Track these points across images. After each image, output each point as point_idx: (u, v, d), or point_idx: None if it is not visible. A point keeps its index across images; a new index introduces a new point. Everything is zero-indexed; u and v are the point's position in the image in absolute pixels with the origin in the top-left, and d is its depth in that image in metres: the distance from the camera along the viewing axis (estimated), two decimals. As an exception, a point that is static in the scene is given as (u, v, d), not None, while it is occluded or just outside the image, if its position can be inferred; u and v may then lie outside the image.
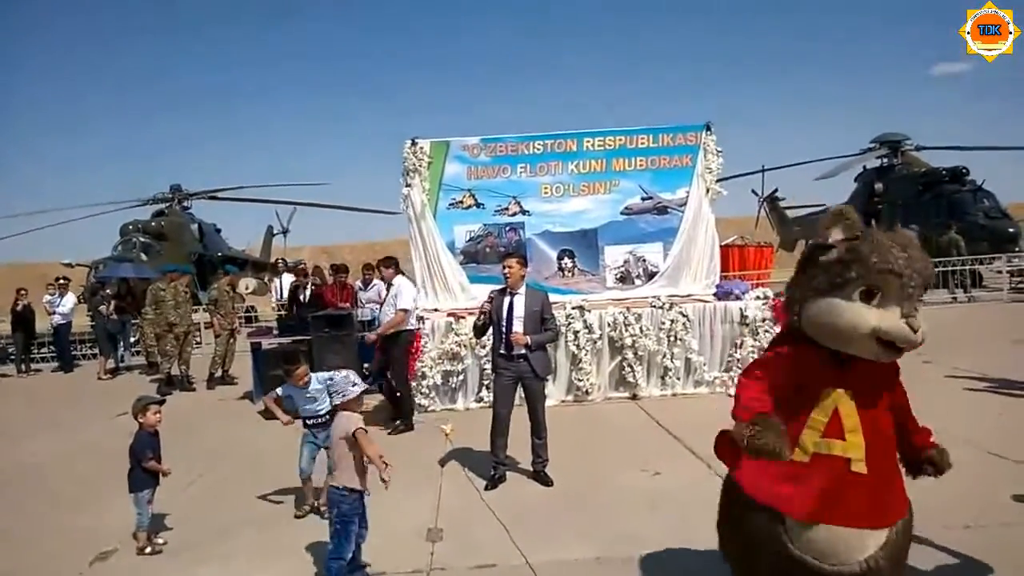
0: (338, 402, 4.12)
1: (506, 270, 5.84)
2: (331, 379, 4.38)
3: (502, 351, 5.79)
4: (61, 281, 14.81)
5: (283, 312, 13.26)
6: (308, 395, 5.34)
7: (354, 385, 4.07)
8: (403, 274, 8.33)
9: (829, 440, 2.66)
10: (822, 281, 2.62)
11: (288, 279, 15.00)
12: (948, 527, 4.18)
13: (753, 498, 2.78)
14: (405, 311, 7.82)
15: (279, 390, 5.46)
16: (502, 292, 5.89)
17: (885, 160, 24.49)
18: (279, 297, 15.49)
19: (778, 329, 2.88)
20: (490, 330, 5.98)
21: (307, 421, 5.39)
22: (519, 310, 5.76)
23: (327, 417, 5.16)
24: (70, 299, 14.67)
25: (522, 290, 5.85)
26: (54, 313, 14.22)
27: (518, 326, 5.73)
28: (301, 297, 10.71)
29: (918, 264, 2.54)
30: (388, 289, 8.11)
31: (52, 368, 14.55)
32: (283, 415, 5.36)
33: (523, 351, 5.70)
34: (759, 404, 2.66)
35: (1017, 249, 18.85)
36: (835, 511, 2.62)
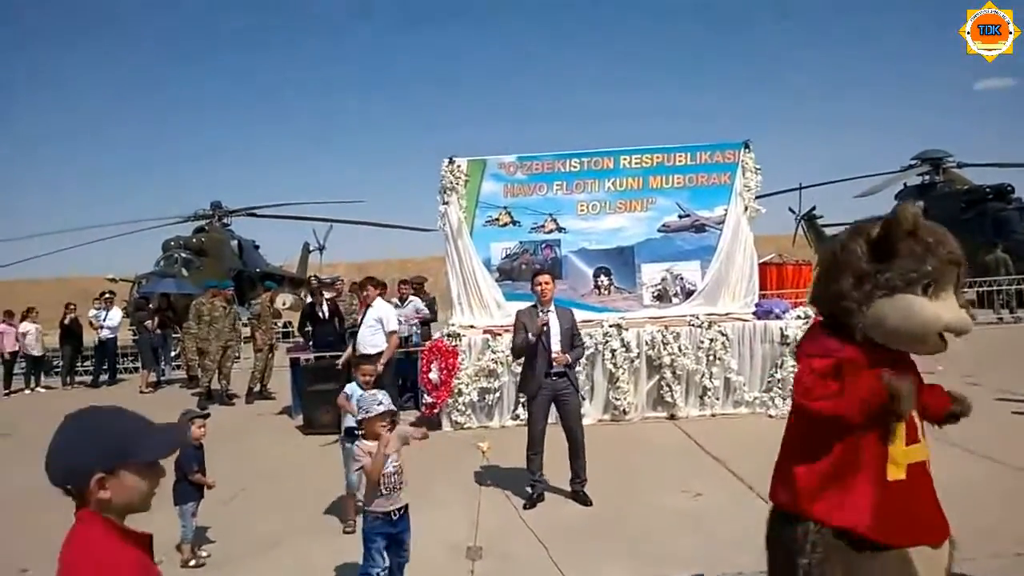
0: (361, 418, 4.12)
1: (539, 288, 5.85)
2: (361, 396, 4.37)
3: (547, 370, 5.77)
4: (107, 295, 15.13)
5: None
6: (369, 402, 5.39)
7: (379, 404, 4.04)
8: (381, 296, 8.29)
9: (911, 448, 2.41)
10: (894, 277, 2.37)
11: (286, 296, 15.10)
12: (998, 555, 4.06)
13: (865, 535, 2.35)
14: (394, 333, 7.82)
15: (347, 389, 5.44)
16: (533, 309, 5.90)
17: (927, 177, 24.12)
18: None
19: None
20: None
21: (356, 432, 5.38)
22: (554, 328, 5.78)
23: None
24: (116, 313, 14.96)
25: (552, 307, 5.86)
26: (102, 327, 14.47)
27: (555, 344, 5.73)
28: (320, 314, 10.78)
29: (962, 252, 2.44)
30: (367, 311, 8.02)
31: (91, 381, 14.76)
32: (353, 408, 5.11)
33: (563, 369, 5.70)
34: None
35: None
36: (929, 527, 2.41)
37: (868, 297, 2.39)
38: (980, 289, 17.50)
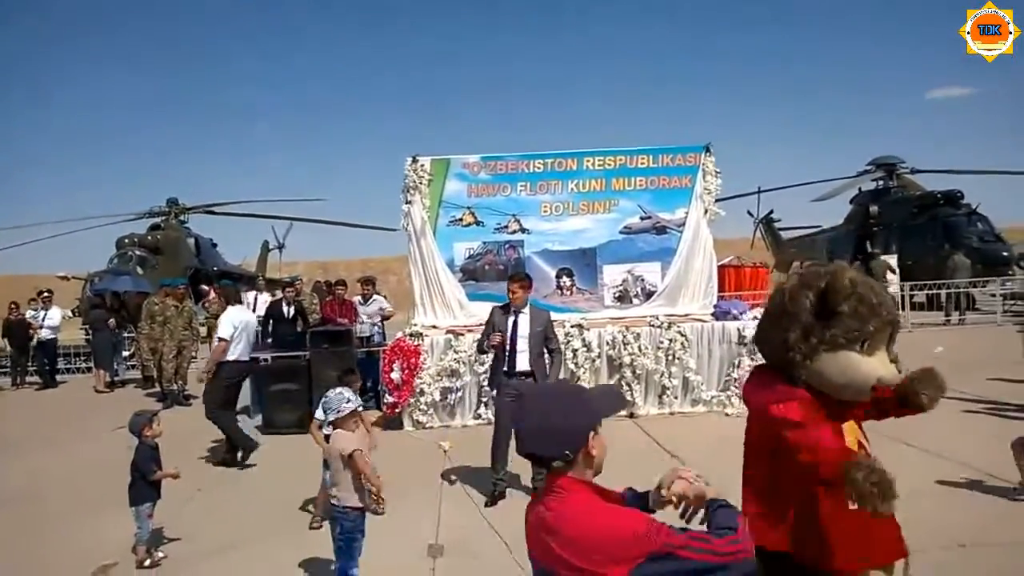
0: (332, 419, 4.10)
1: (511, 295, 5.91)
2: (325, 397, 4.35)
3: (505, 369, 5.83)
4: (45, 294, 14.44)
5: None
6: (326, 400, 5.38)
7: (348, 402, 4.05)
8: (239, 303, 8.19)
9: None
10: (837, 334, 2.50)
11: (267, 298, 14.78)
12: (946, 547, 4.20)
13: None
14: (223, 340, 7.36)
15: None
16: (505, 309, 5.93)
17: (881, 183, 24.70)
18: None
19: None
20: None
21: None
22: (523, 329, 5.84)
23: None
24: (56, 313, 14.33)
25: (526, 309, 5.90)
26: (41, 327, 13.88)
27: (522, 345, 5.80)
28: (286, 311, 10.67)
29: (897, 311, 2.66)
30: None
31: (37, 385, 14.15)
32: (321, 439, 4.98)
33: (528, 368, 5.75)
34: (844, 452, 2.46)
35: (1011, 273, 18.99)
36: (889, 547, 2.55)
37: (813, 351, 2.52)
38: (930, 292, 18.00)
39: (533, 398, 1.89)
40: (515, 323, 5.82)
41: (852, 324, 2.49)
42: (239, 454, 7.32)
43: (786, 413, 2.45)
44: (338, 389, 4.29)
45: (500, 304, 6.11)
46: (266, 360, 9.58)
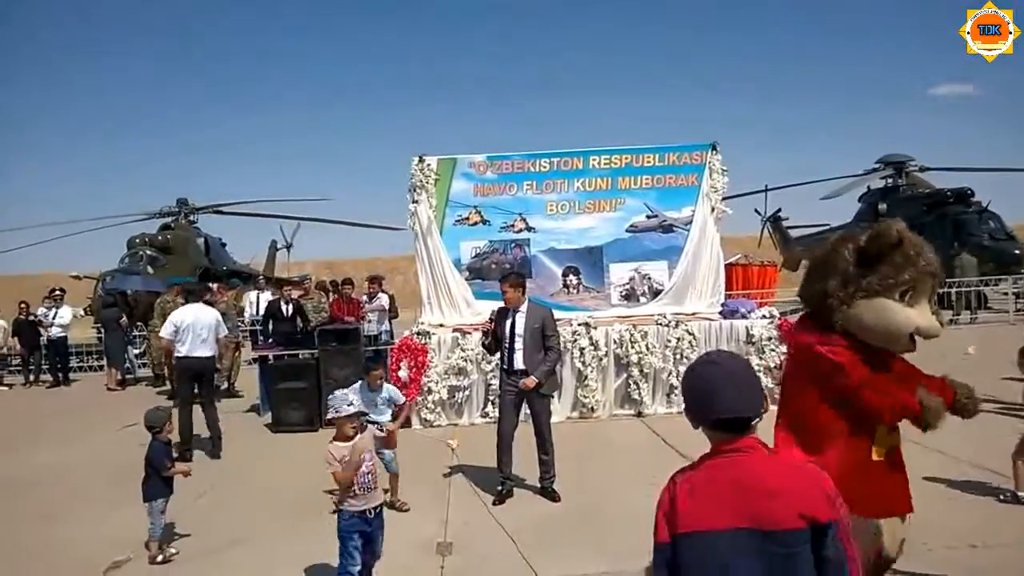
0: (330, 417, 4.09)
1: (503, 292, 5.96)
2: (332, 395, 4.37)
3: (505, 367, 5.88)
4: (57, 293, 14.55)
5: (257, 328, 13.24)
6: (377, 401, 5.49)
7: (349, 404, 4.04)
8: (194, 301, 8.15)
9: (892, 434, 2.84)
10: (873, 282, 2.69)
11: (267, 296, 14.85)
12: (953, 547, 4.20)
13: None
14: (162, 339, 7.83)
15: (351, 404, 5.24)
16: (504, 309, 5.97)
17: (890, 180, 24.55)
18: (254, 312, 14.44)
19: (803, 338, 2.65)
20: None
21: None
22: (520, 327, 5.85)
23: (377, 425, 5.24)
24: (67, 311, 14.39)
25: (524, 307, 5.91)
26: (51, 326, 13.98)
27: (519, 343, 5.81)
28: (284, 310, 10.75)
29: (938, 264, 2.82)
30: None
31: (52, 381, 14.26)
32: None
33: (523, 366, 5.77)
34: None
35: (1023, 271, 18.85)
36: (900, 501, 2.82)
37: (851, 297, 2.70)
38: (941, 291, 17.91)
39: (727, 364, 1.89)
40: (512, 323, 5.86)
41: (889, 272, 2.67)
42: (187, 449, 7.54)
43: (832, 355, 2.69)
44: (344, 390, 4.31)
45: (502, 306, 6.11)
46: (273, 358, 9.66)
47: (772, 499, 1.66)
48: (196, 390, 7.77)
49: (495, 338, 5.96)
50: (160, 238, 20.67)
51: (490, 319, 6.05)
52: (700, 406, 1.83)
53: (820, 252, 2.93)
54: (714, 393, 1.79)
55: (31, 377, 14.36)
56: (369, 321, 10.52)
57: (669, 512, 1.77)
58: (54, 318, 14.05)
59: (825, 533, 1.64)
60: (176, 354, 7.67)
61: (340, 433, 4.01)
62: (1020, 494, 5.04)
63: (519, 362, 5.82)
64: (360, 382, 5.67)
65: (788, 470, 1.76)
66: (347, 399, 4.08)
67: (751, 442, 1.76)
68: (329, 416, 4.11)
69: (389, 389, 5.73)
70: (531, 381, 5.71)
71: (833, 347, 2.72)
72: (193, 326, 7.64)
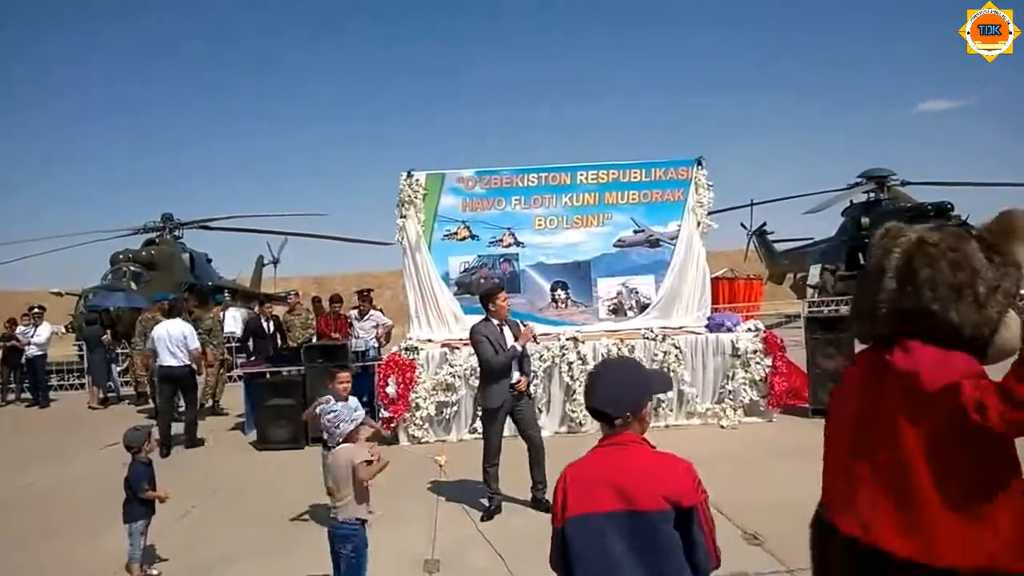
0: (349, 430, 4.14)
1: (499, 307, 5.99)
2: (333, 410, 4.37)
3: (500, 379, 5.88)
4: (35, 310, 14.25)
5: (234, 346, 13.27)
6: (335, 414, 5.40)
7: (356, 411, 4.11)
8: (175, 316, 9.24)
9: None
10: (1011, 289, 2.14)
11: (236, 313, 14.75)
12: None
13: None
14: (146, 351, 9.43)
15: (319, 408, 5.37)
16: (487, 325, 5.97)
17: (872, 195, 24.81)
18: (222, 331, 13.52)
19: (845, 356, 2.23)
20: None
21: (329, 445, 5.31)
22: (510, 341, 5.92)
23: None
24: (45, 329, 14.10)
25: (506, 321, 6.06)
26: (29, 344, 13.71)
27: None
28: (266, 326, 10.69)
29: None
30: None
31: (32, 399, 14.02)
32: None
33: (518, 379, 5.81)
34: None
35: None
36: None
37: (1005, 308, 2.13)
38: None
39: (609, 369, 2.35)
40: (502, 334, 5.94)
41: (1017, 276, 2.16)
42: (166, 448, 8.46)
43: (983, 394, 1.93)
44: (346, 401, 4.34)
45: (479, 323, 6.06)
46: (260, 375, 9.60)
47: (641, 484, 1.95)
48: (179, 399, 9.04)
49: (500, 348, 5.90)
50: (144, 254, 20.49)
51: (485, 336, 5.92)
52: (585, 399, 2.21)
53: (952, 257, 2.15)
54: (589, 388, 2.18)
55: (10, 396, 14.13)
56: (357, 337, 10.45)
57: (562, 500, 2.07)
58: (32, 336, 13.80)
59: (690, 516, 1.94)
60: (157, 364, 8.99)
61: (352, 441, 4.13)
62: None
63: (516, 373, 5.87)
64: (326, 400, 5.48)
65: (658, 461, 2.05)
66: (353, 408, 4.15)
67: (630, 437, 2.09)
68: (348, 428, 4.14)
69: (352, 401, 5.35)
70: (525, 381, 5.86)
71: (983, 383, 1.99)
72: (166, 339, 8.85)
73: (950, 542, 1.97)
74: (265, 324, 10.72)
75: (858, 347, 2.53)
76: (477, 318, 9.07)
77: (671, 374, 8.58)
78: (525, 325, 6.18)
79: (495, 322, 5.97)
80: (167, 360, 8.82)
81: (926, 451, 2.04)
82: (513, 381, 5.82)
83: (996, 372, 2.00)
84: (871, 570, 2.10)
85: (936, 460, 2.03)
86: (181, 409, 10.30)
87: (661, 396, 8.54)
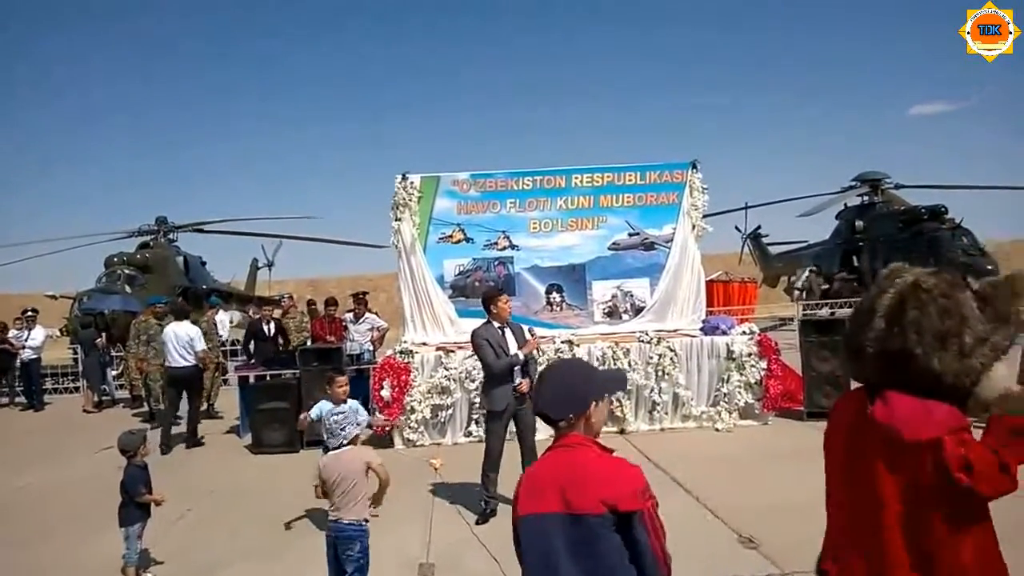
0: (357, 432, 4.16)
1: (502, 310, 5.99)
2: (340, 411, 4.41)
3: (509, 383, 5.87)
4: (29, 314, 14.14)
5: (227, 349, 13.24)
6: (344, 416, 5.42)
7: (359, 413, 4.14)
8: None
9: None
10: (1001, 343, 2.14)
11: (223, 317, 14.66)
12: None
13: None
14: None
15: (312, 412, 5.43)
16: (488, 328, 5.98)
17: (866, 198, 24.88)
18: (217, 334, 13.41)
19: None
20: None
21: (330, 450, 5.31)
22: (512, 345, 5.93)
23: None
24: (39, 333, 14.00)
25: (508, 324, 6.05)
26: (23, 348, 13.60)
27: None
28: (266, 329, 10.67)
29: None
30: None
31: (22, 407, 13.85)
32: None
33: (522, 379, 5.82)
34: None
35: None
36: None
37: (988, 361, 2.10)
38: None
39: (554, 369, 2.27)
40: (504, 337, 5.94)
41: (1007, 333, 2.13)
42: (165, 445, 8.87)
43: (967, 451, 1.92)
44: (352, 403, 4.36)
45: (481, 327, 6.07)
46: (254, 378, 9.59)
47: (581, 487, 1.93)
48: (185, 397, 9.37)
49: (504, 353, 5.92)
50: (139, 257, 20.43)
51: (486, 340, 5.91)
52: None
53: (942, 304, 2.14)
54: (536, 391, 2.21)
55: (4, 400, 14.05)
56: (352, 340, 10.44)
57: (515, 499, 2.10)
58: (26, 340, 13.72)
59: (630, 522, 1.89)
60: (166, 365, 9.41)
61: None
62: None
63: (519, 375, 5.88)
64: (324, 400, 5.51)
65: (602, 464, 2.00)
66: (358, 410, 4.18)
67: (577, 439, 2.05)
68: (357, 431, 4.16)
69: (354, 404, 5.47)
70: (527, 383, 5.81)
71: (966, 437, 1.99)
72: (173, 340, 9.19)
73: None
74: (265, 327, 10.68)
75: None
76: (472, 321, 9.11)
77: (666, 377, 8.61)
78: (533, 333, 6.16)
79: (496, 325, 5.98)
80: (174, 361, 9.15)
81: (902, 506, 2.02)
82: (515, 384, 5.83)
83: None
84: None
85: (911, 515, 2.01)
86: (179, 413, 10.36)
87: (656, 398, 8.58)
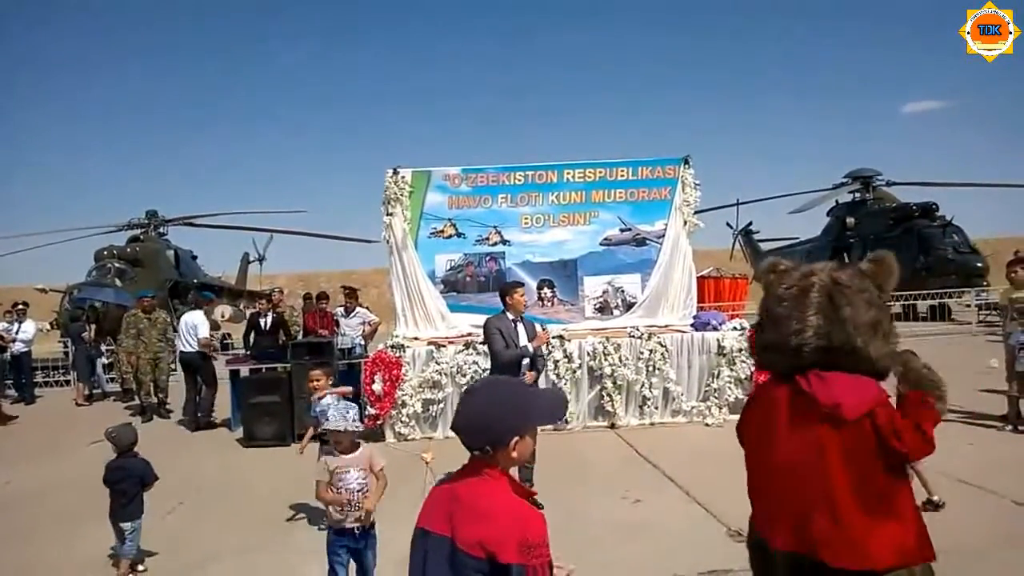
0: (345, 428, 4.05)
1: (515, 301, 6.05)
2: (334, 406, 4.42)
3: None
4: (20, 307, 13.96)
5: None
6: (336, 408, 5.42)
7: (343, 419, 4.06)
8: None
9: None
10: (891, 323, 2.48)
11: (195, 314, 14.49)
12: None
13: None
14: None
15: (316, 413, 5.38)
16: (502, 319, 6.02)
17: (857, 195, 25.03)
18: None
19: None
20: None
21: (324, 439, 5.28)
22: (523, 339, 5.99)
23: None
24: (30, 326, 13.85)
25: (521, 319, 6.11)
26: (14, 340, 13.43)
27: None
28: (262, 323, 10.63)
29: None
30: None
31: (12, 400, 13.60)
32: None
33: (524, 376, 5.86)
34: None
35: (985, 283, 19.31)
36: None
37: (896, 341, 2.46)
38: (905, 303, 18.29)
39: (480, 390, 2.05)
40: (516, 331, 5.99)
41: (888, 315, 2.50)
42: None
43: (894, 420, 2.28)
44: (344, 403, 4.33)
45: (494, 316, 6.14)
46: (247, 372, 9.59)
47: (470, 521, 1.78)
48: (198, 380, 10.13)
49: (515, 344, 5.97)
50: (129, 251, 20.37)
51: (499, 329, 5.97)
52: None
53: (863, 291, 2.43)
54: (458, 408, 1.99)
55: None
56: (343, 334, 10.43)
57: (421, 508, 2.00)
58: (17, 333, 13.65)
59: (508, 572, 1.71)
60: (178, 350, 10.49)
61: (345, 447, 4.05)
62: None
63: (526, 368, 5.96)
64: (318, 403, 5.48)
65: (501, 508, 1.80)
66: (348, 410, 4.12)
67: (491, 471, 1.85)
68: (338, 426, 4.05)
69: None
70: (532, 376, 5.93)
71: (892, 408, 2.34)
72: (183, 328, 10.15)
73: (878, 547, 2.21)
74: (263, 321, 10.62)
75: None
76: (463, 316, 9.23)
77: (657, 372, 8.65)
78: (544, 329, 6.27)
79: (511, 317, 6.03)
80: (182, 347, 10.19)
81: (846, 469, 2.29)
82: (521, 376, 5.85)
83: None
84: None
85: (855, 476, 2.28)
86: (168, 404, 10.43)
87: (647, 393, 8.62)
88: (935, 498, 5.19)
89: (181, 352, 10.27)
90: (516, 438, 1.84)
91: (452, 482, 1.95)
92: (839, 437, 2.31)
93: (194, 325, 10.08)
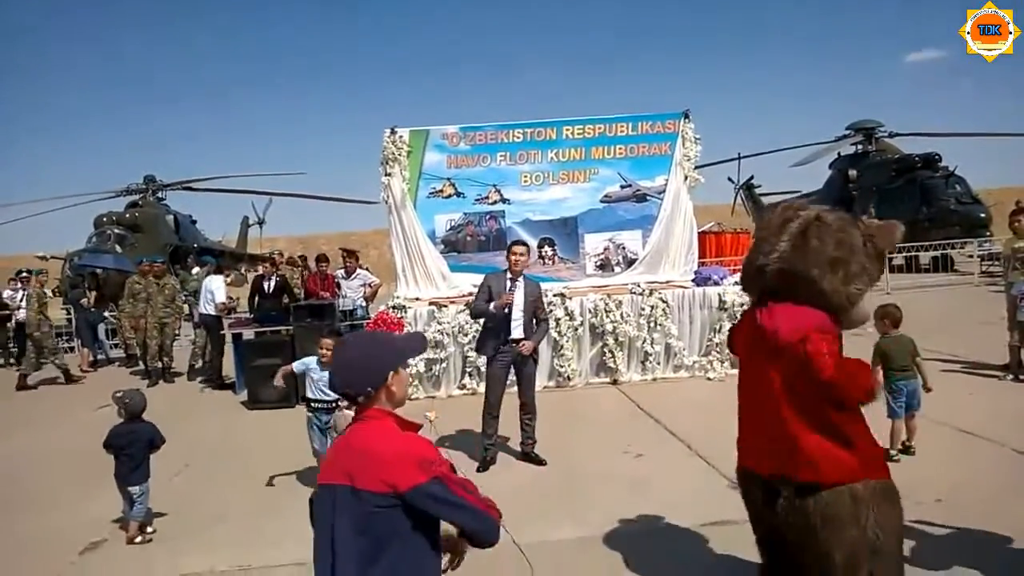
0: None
1: (515, 257, 5.94)
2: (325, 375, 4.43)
3: (498, 335, 5.89)
4: (24, 274, 13.90)
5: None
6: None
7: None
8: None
9: None
10: (875, 273, 2.75)
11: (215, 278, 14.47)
12: (920, 502, 4.30)
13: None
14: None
15: (295, 365, 5.53)
16: (499, 277, 5.97)
17: (859, 147, 24.80)
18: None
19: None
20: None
21: (312, 404, 5.42)
22: (519, 298, 5.88)
23: (334, 404, 5.19)
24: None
25: (521, 278, 5.96)
26: (19, 308, 13.36)
27: (516, 313, 5.86)
28: (266, 286, 10.60)
29: None
30: None
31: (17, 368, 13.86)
32: (279, 378, 5.65)
33: (521, 336, 5.81)
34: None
35: (988, 234, 19.21)
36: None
37: (864, 288, 2.68)
38: (908, 254, 18.23)
39: (345, 345, 2.22)
40: (511, 291, 5.86)
41: (877, 267, 2.73)
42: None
43: (828, 347, 2.52)
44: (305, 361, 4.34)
45: (493, 273, 6.11)
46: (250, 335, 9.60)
47: (365, 463, 1.89)
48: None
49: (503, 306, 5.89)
50: (128, 216, 20.31)
51: (487, 286, 5.94)
52: None
53: (843, 234, 2.66)
54: (332, 369, 2.12)
55: (10, 359, 14.06)
56: (344, 296, 10.42)
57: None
58: (21, 300, 13.67)
59: (415, 497, 1.85)
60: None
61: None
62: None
63: (517, 332, 5.87)
64: (305, 361, 5.54)
65: (391, 443, 1.93)
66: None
67: (374, 412, 2.00)
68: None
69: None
70: (530, 345, 5.83)
71: (830, 337, 2.58)
72: (203, 291, 10.58)
73: (827, 466, 2.52)
74: (266, 284, 10.55)
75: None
76: (464, 276, 9.18)
77: (658, 328, 8.66)
78: (510, 293, 5.89)
79: (508, 276, 5.95)
80: (201, 309, 10.65)
81: (789, 397, 2.57)
82: (514, 337, 5.84)
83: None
84: (775, 497, 2.66)
85: (796, 400, 2.56)
86: (173, 368, 10.50)
87: (648, 349, 8.64)
88: (911, 445, 5.45)
89: (200, 314, 10.67)
90: (391, 372, 2.02)
91: (344, 438, 2.06)
92: (780, 364, 2.57)
93: (212, 290, 10.37)
